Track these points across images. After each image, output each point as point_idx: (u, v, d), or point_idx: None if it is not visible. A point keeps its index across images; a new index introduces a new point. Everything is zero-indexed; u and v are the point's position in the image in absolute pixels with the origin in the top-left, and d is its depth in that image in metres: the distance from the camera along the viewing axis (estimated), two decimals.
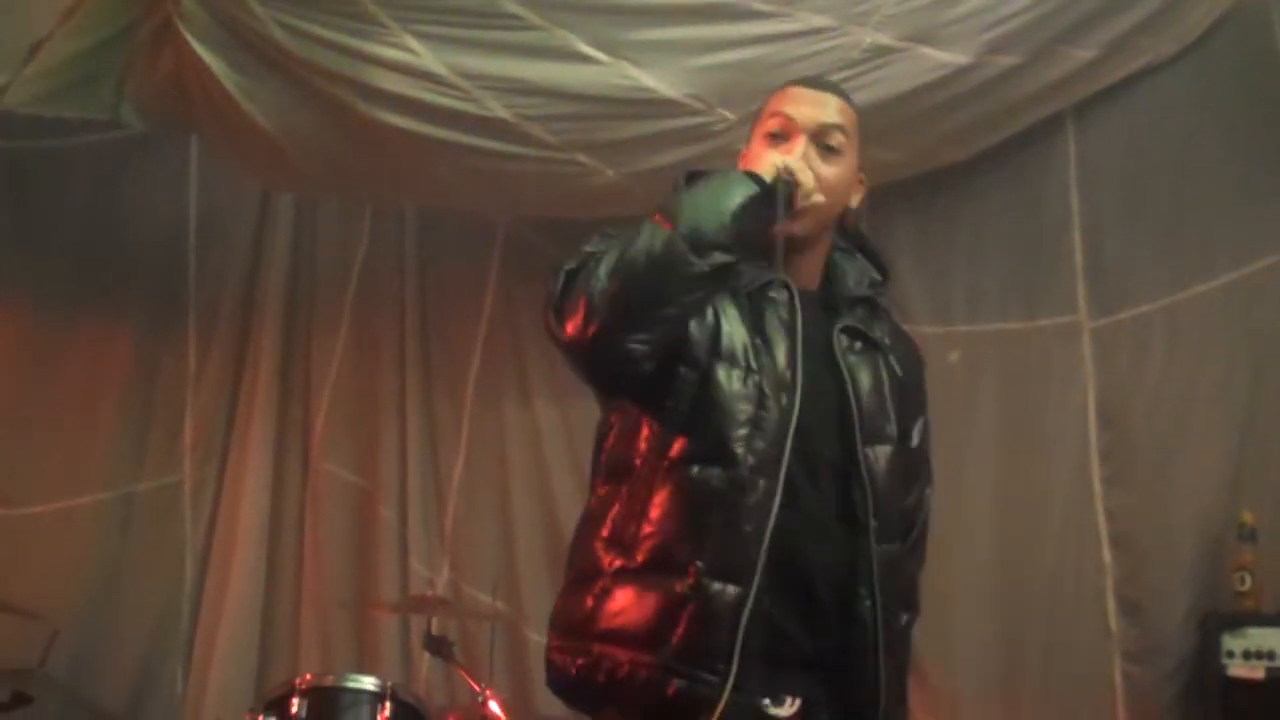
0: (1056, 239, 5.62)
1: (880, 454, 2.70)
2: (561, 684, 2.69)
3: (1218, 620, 5.03)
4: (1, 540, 6.07)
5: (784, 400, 2.60)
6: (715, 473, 2.57)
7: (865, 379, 2.74)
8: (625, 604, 2.58)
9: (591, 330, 2.51)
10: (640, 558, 2.59)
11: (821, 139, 2.75)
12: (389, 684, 4.83)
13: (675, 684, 2.50)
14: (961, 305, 5.75)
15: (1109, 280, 5.55)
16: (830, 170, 2.74)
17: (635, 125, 5.25)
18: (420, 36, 5.03)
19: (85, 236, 6.36)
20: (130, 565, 6.29)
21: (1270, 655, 4.87)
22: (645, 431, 2.66)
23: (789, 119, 2.77)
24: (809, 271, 2.80)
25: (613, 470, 2.73)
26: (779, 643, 2.54)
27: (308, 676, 4.87)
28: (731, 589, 2.50)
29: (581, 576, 2.68)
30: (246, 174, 6.24)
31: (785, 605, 2.55)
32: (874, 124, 5.11)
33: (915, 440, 2.85)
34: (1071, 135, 5.64)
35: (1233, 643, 4.93)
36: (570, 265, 2.59)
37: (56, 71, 5.45)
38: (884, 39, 4.98)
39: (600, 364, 2.60)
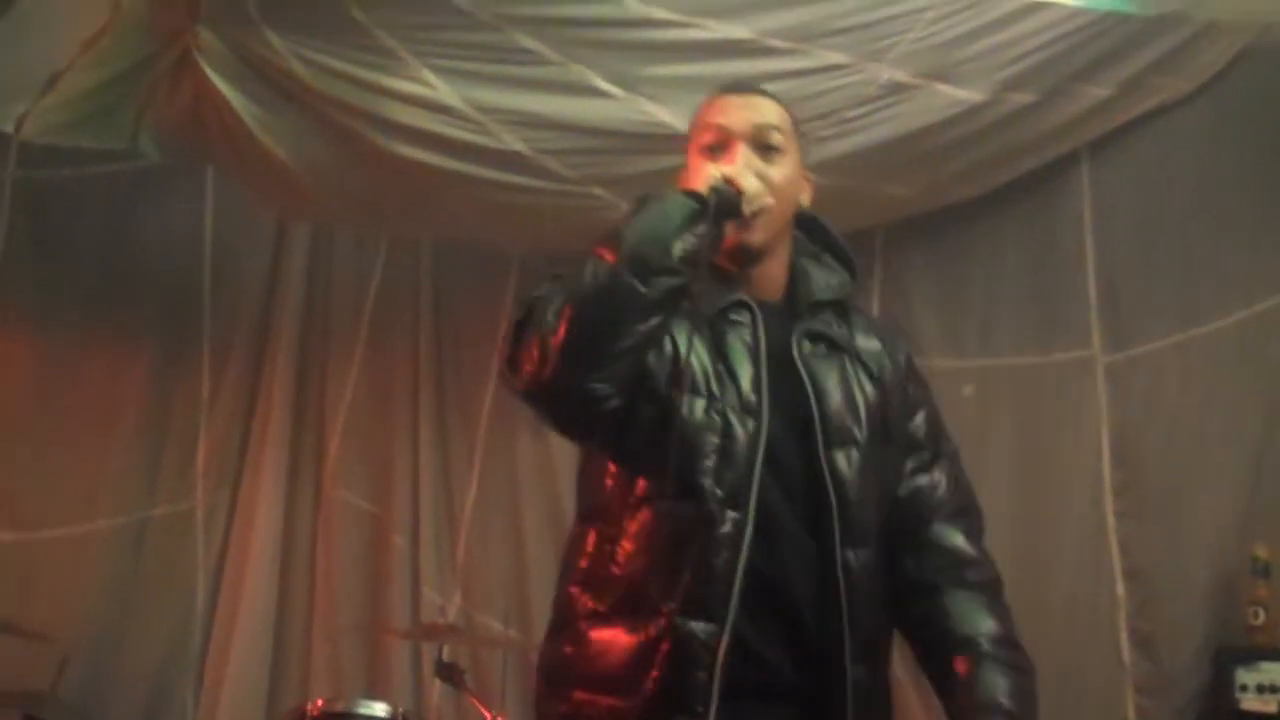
0: (1071, 274, 5.63)
1: (847, 457, 2.59)
2: None
3: (1231, 654, 5.04)
4: (14, 564, 6.06)
5: (750, 426, 2.52)
6: (685, 507, 2.48)
7: (829, 381, 2.64)
8: (600, 649, 2.50)
9: (547, 374, 2.40)
10: (611, 600, 2.51)
11: (760, 140, 2.66)
12: (400, 710, 4.84)
13: None
14: (975, 339, 5.76)
15: (1123, 315, 5.56)
16: (775, 170, 2.65)
17: (650, 160, 5.24)
18: (437, 70, 5.06)
19: (101, 265, 6.37)
20: (142, 590, 6.28)
21: None
22: (612, 468, 2.58)
23: (722, 128, 2.68)
24: (771, 280, 2.72)
25: (584, 511, 2.66)
26: (762, 674, 2.48)
27: (319, 702, 4.88)
28: (706, 626, 2.42)
29: (560, 621, 2.62)
30: (262, 204, 6.26)
31: (767, 634, 2.48)
32: (889, 160, 5.26)
33: (915, 421, 2.76)
34: (1086, 172, 5.65)
35: (1246, 677, 4.93)
36: (519, 315, 2.50)
37: (75, 102, 5.49)
38: (900, 76, 5.01)
39: (562, 408, 2.50)
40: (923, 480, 2.73)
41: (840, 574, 2.52)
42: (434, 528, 6.34)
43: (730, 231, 2.56)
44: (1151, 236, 5.55)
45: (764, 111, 2.71)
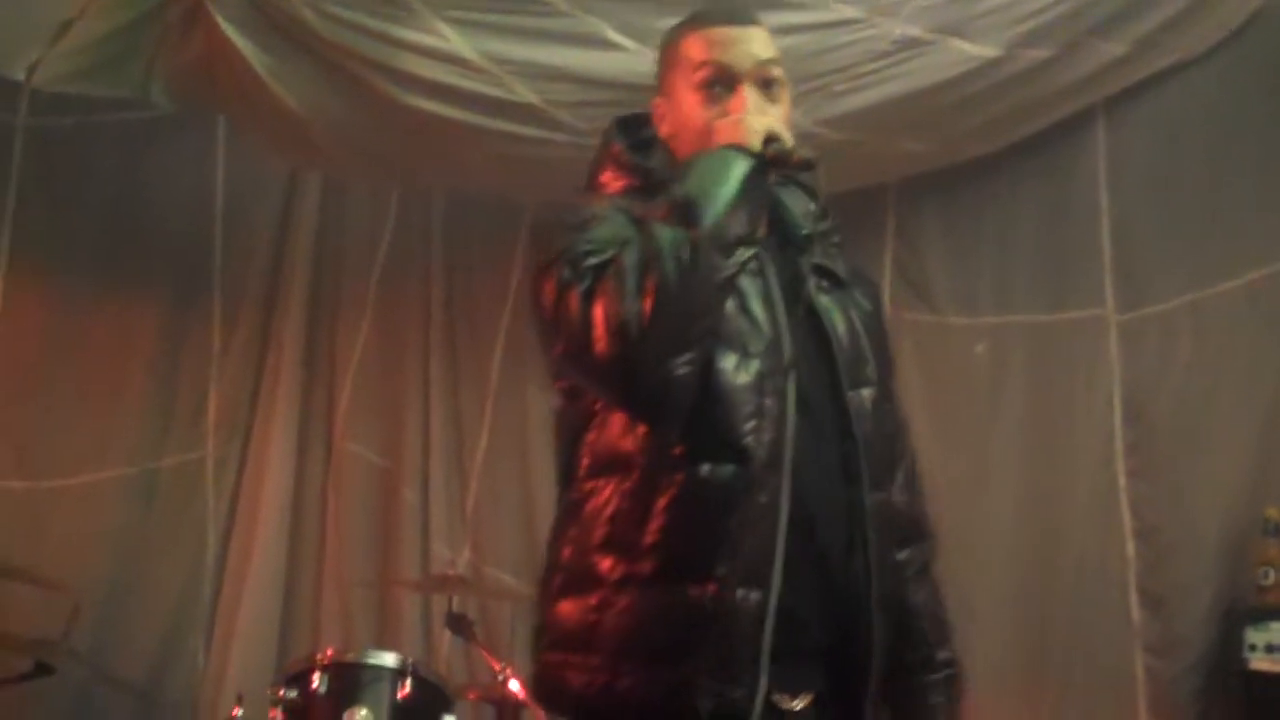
0: (1084, 232, 5.61)
1: (865, 397, 2.55)
2: (564, 702, 2.50)
3: (1240, 614, 5.05)
4: (26, 513, 6.07)
5: (779, 381, 2.43)
6: (727, 470, 2.38)
7: (840, 321, 2.59)
8: (636, 615, 2.39)
9: (634, 358, 2.30)
10: (649, 564, 2.39)
11: (763, 76, 2.56)
12: (410, 660, 4.84)
13: (702, 699, 2.33)
14: (988, 297, 5.74)
15: (1136, 274, 5.54)
16: (779, 108, 2.56)
17: None
18: (451, 22, 5.03)
19: (112, 214, 6.35)
20: (153, 540, 6.29)
21: None
22: (642, 427, 2.43)
23: (725, 66, 2.56)
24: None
25: (604, 464, 2.48)
26: (800, 636, 2.41)
27: (329, 651, 4.86)
28: (754, 594, 2.34)
29: (574, 583, 2.47)
30: (274, 154, 6.24)
31: (803, 595, 2.40)
32: (903, 115, 5.24)
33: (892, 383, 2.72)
34: (1102, 130, 5.62)
35: (1255, 636, 4.93)
36: (585, 285, 2.35)
37: (86, 50, 5.47)
38: (914, 31, 4.98)
39: (641, 392, 2.37)
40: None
41: (867, 516, 2.48)
42: (444, 481, 6.34)
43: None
44: (1166, 195, 5.53)
45: (763, 44, 2.61)
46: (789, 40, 4.94)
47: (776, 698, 2.40)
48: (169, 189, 6.46)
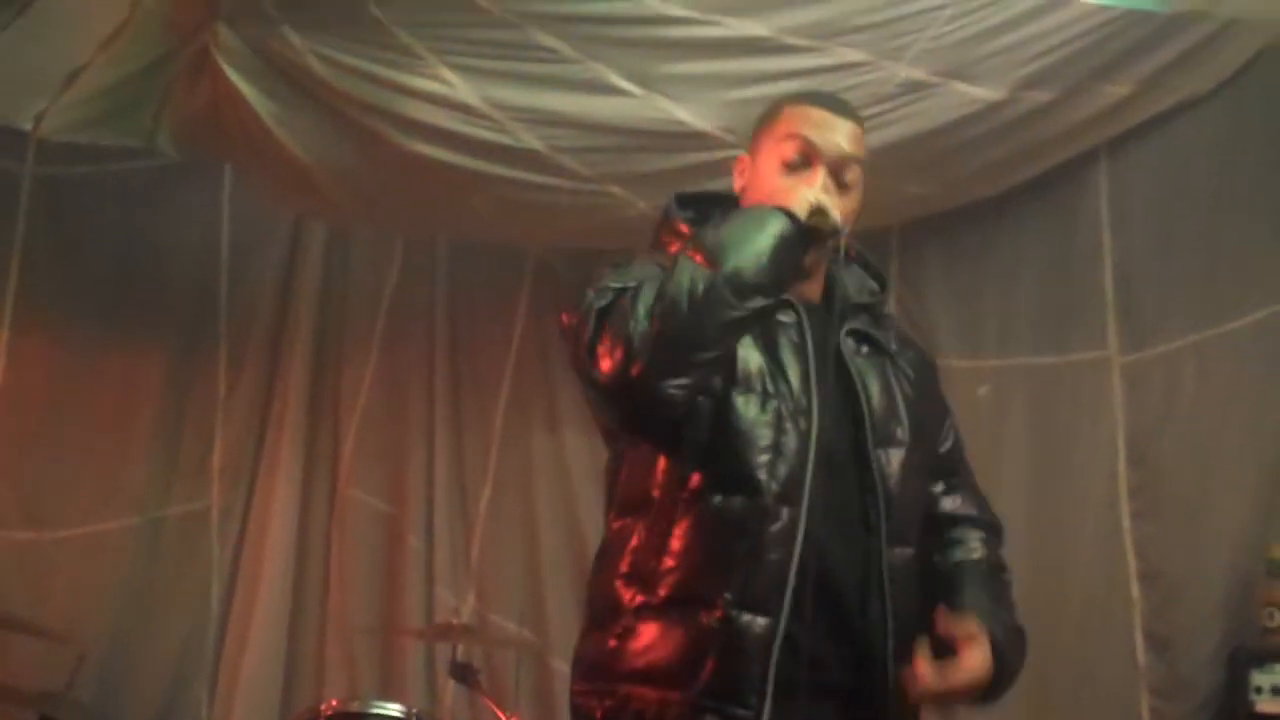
0: (1088, 274, 5.61)
1: (892, 457, 2.66)
2: None
3: (1246, 656, 5.01)
4: (30, 563, 6.08)
5: (802, 424, 2.56)
6: (738, 501, 2.52)
7: (874, 382, 2.71)
8: (651, 641, 2.52)
9: (634, 372, 2.42)
10: (663, 592, 2.53)
11: (840, 171, 2.71)
12: (414, 711, 4.84)
13: None
14: (992, 339, 5.74)
15: (1140, 316, 5.54)
16: (845, 204, 2.69)
17: (667, 158, 5.27)
18: (455, 68, 5.06)
19: (119, 262, 6.39)
20: (157, 589, 6.30)
21: None
22: (662, 463, 2.60)
23: (812, 145, 2.70)
24: (812, 289, 2.78)
25: (628, 504, 2.66)
26: (809, 670, 2.49)
27: (333, 702, 4.89)
28: (761, 620, 2.46)
29: (602, 615, 2.62)
30: (279, 202, 6.27)
31: (814, 630, 2.49)
32: (906, 158, 5.25)
33: (946, 445, 2.87)
34: (1104, 171, 5.63)
35: (1261, 679, 4.91)
36: (601, 303, 2.52)
37: (94, 99, 5.51)
38: (918, 74, 5.00)
39: (637, 406, 2.51)
40: (948, 504, 2.85)
41: (885, 571, 2.58)
42: (448, 527, 6.35)
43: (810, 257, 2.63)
44: (1169, 236, 5.54)
45: (854, 142, 2.74)
46: (793, 85, 4.98)
47: None
48: (175, 238, 6.50)
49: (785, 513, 2.50)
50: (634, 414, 2.56)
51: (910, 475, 2.68)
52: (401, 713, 4.81)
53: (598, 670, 2.59)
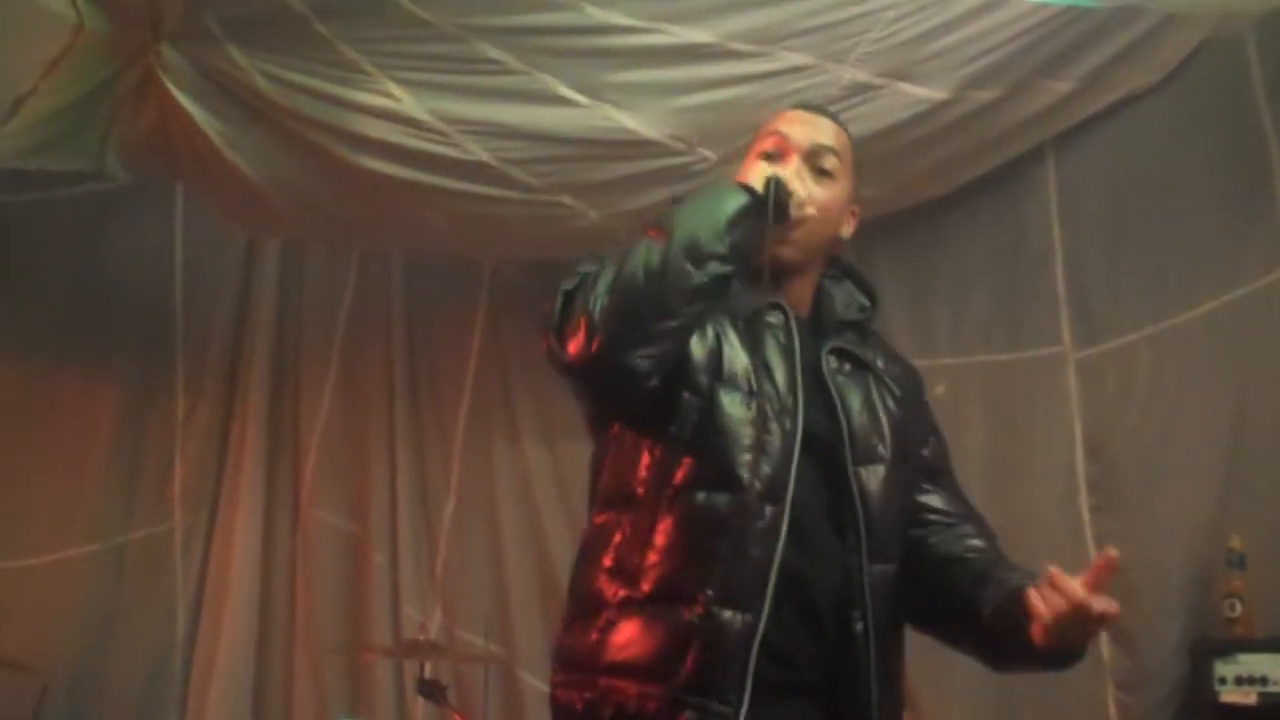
0: (1039, 270, 5.64)
1: (872, 474, 2.66)
2: (566, 719, 2.63)
3: (1209, 647, 5.03)
4: None
5: (787, 424, 2.59)
6: (722, 498, 2.53)
7: (855, 400, 2.71)
8: (632, 635, 2.53)
9: (594, 347, 2.47)
10: (646, 587, 2.54)
11: (815, 160, 2.75)
12: None
13: (686, 715, 2.45)
14: (946, 338, 5.75)
15: (1093, 310, 5.56)
16: (822, 192, 2.73)
17: (617, 166, 5.29)
18: (402, 83, 5.07)
19: (71, 288, 6.38)
20: (122, 615, 6.27)
21: (1262, 680, 4.86)
22: (646, 459, 2.62)
23: (784, 137, 2.77)
24: (799, 298, 2.78)
25: (612, 499, 2.68)
26: (786, 670, 2.52)
27: None
28: (741, 617, 2.47)
29: (584, 609, 2.63)
30: (231, 222, 6.26)
31: (793, 632, 2.53)
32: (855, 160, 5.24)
33: (929, 451, 2.85)
34: (1052, 167, 5.66)
35: (1224, 669, 4.92)
36: (568, 285, 2.57)
37: (40, 125, 5.47)
38: (863, 76, 5.02)
39: (604, 381, 2.55)
40: (935, 501, 2.82)
41: (867, 589, 2.59)
42: (413, 544, 6.34)
43: (772, 227, 2.63)
44: (1118, 230, 5.56)
45: (827, 133, 2.81)
46: (739, 90, 5.02)
47: None
48: (127, 261, 6.49)
49: (768, 510, 2.52)
50: (605, 391, 2.60)
51: (892, 492, 2.68)
52: None
53: (579, 662, 2.59)
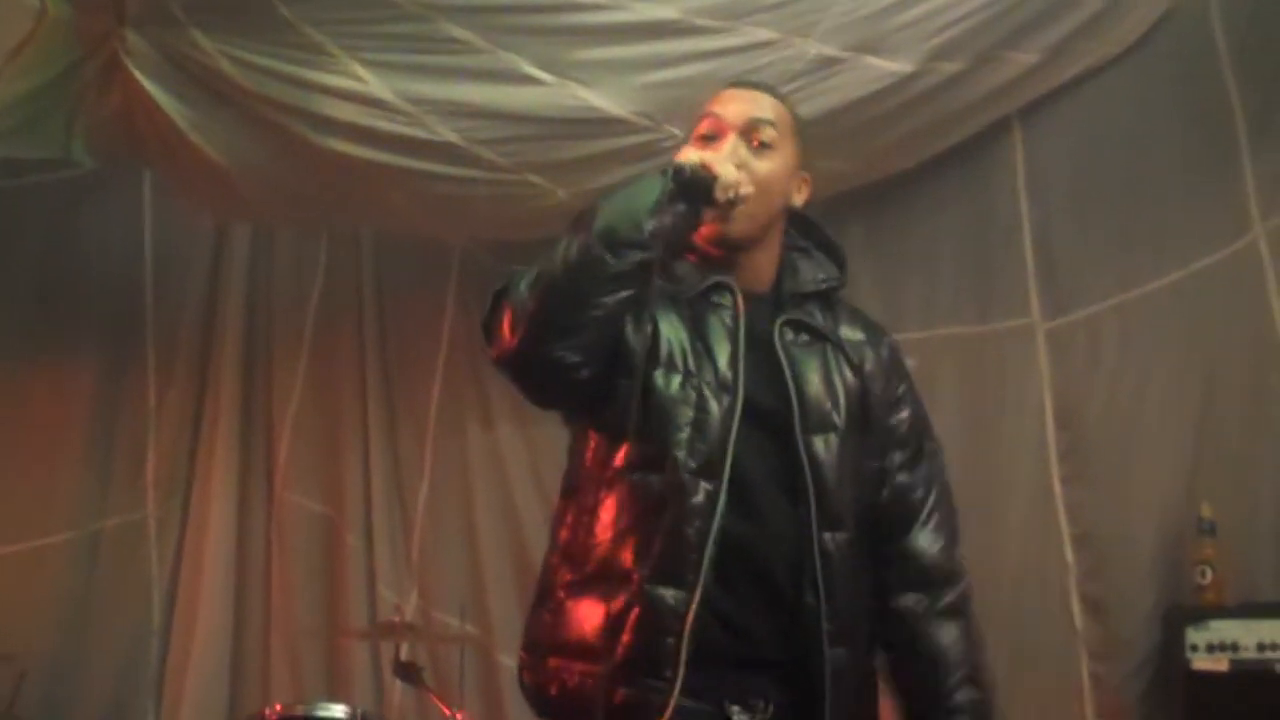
0: (1007, 242, 5.64)
1: (826, 442, 2.66)
2: (529, 699, 2.69)
3: (1180, 614, 5.05)
4: None
5: (725, 400, 2.59)
6: (656, 478, 2.56)
7: (810, 369, 2.71)
8: (575, 616, 2.58)
9: (516, 342, 2.51)
10: (589, 568, 2.59)
11: (751, 135, 2.74)
12: (359, 711, 4.84)
13: (622, 692, 2.49)
14: (915, 311, 5.74)
15: (1061, 281, 5.57)
16: (762, 165, 2.72)
17: (584, 145, 5.28)
18: (367, 64, 5.06)
19: (40, 276, 6.37)
20: (97, 603, 6.27)
21: (1234, 647, 4.89)
22: (592, 444, 2.67)
23: (718, 118, 2.76)
24: (758, 271, 2.78)
25: (568, 485, 2.74)
26: (742, 644, 2.54)
27: (278, 706, 4.87)
28: (674, 593, 2.49)
29: (542, 592, 2.69)
30: (200, 207, 6.24)
31: (747, 604, 2.55)
32: (821, 134, 5.21)
33: (903, 426, 2.84)
34: (1019, 139, 5.66)
35: (1196, 636, 4.94)
36: (499, 287, 2.59)
37: (4, 113, 5.44)
38: (828, 50, 5.02)
39: (531, 374, 2.59)
40: (903, 479, 2.81)
41: (818, 557, 2.59)
42: (387, 526, 6.33)
43: (709, 218, 2.64)
44: (1085, 201, 5.57)
45: (761, 106, 2.79)
46: (704, 66, 5.01)
47: (729, 707, 2.54)
48: (98, 248, 6.48)
49: (703, 487, 2.53)
50: (537, 385, 2.64)
51: (847, 460, 2.68)
52: (346, 714, 4.81)
53: (535, 644, 2.66)
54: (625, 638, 2.51)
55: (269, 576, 6.37)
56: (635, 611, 2.51)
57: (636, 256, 2.51)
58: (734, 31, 4.97)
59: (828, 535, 2.61)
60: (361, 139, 5.25)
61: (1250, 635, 4.89)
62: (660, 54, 5.03)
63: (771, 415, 2.64)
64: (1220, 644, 4.91)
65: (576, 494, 2.69)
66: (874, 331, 2.91)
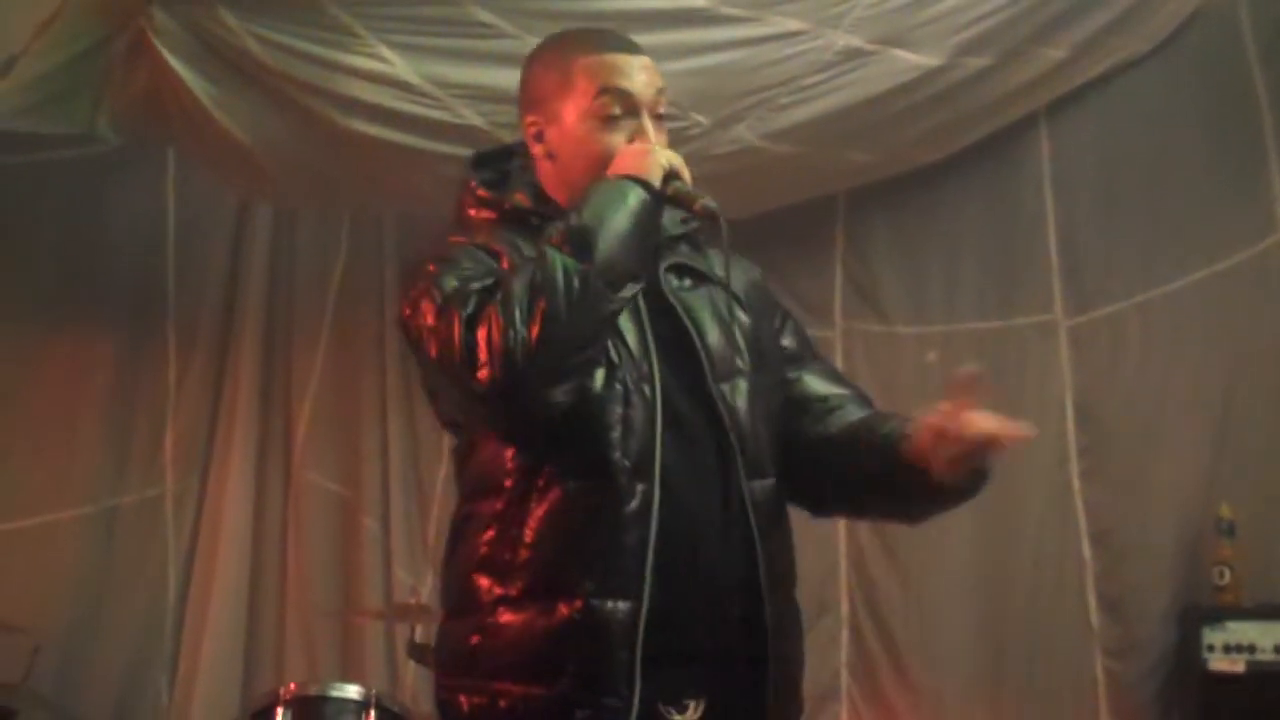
0: (1032, 238, 5.65)
1: (737, 389, 2.54)
2: None
3: (1198, 615, 5.06)
4: None
5: (646, 391, 2.45)
6: (590, 485, 2.40)
7: (704, 315, 2.58)
8: (512, 636, 2.40)
9: (516, 384, 2.28)
10: (522, 583, 2.40)
11: (656, 108, 2.57)
12: (373, 692, 4.83)
13: (578, 714, 2.35)
14: (938, 305, 5.76)
15: (1084, 278, 5.58)
16: (665, 138, 2.57)
17: None
18: (394, 46, 5.04)
19: (63, 251, 6.34)
20: (114, 578, 6.26)
21: (1250, 649, 4.90)
22: (512, 450, 2.45)
23: (629, 95, 2.54)
24: None
25: (479, 490, 2.50)
26: (682, 643, 2.41)
27: (292, 686, 4.85)
28: (623, 605, 2.36)
29: (460, 606, 2.50)
30: (223, 186, 6.24)
31: (683, 598, 2.40)
32: (848, 126, 5.26)
33: (788, 340, 2.75)
34: (1045, 135, 5.67)
35: (1213, 637, 4.95)
36: (467, 311, 2.31)
37: (31, 87, 5.43)
38: (856, 42, 5.01)
39: (520, 416, 2.36)
40: (801, 374, 2.73)
41: (749, 506, 2.48)
42: (404, 508, 6.32)
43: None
44: (1111, 198, 5.58)
45: (657, 74, 2.61)
46: (732, 55, 5.00)
47: (662, 709, 2.41)
48: (120, 224, 6.45)
49: (639, 489, 2.40)
50: (516, 423, 2.39)
51: (758, 402, 2.57)
52: (360, 694, 4.80)
53: (462, 666, 2.47)
54: (575, 656, 2.36)
55: (285, 555, 6.37)
56: (584, 628, 2.36)
57: (632, 291, 2.39)
58: (763, 21, 4.96)
59: (756, 484, 2.51)
60: (386, 121, 5.23)
61: (1267, 637, 4.90)
62: (687, 42, 5.00)
63: (682, 374, 2.51)
64: (1237, 645, 4.92)
65: (490, 500, 2.46)
66: (744, 262, 2.75)
